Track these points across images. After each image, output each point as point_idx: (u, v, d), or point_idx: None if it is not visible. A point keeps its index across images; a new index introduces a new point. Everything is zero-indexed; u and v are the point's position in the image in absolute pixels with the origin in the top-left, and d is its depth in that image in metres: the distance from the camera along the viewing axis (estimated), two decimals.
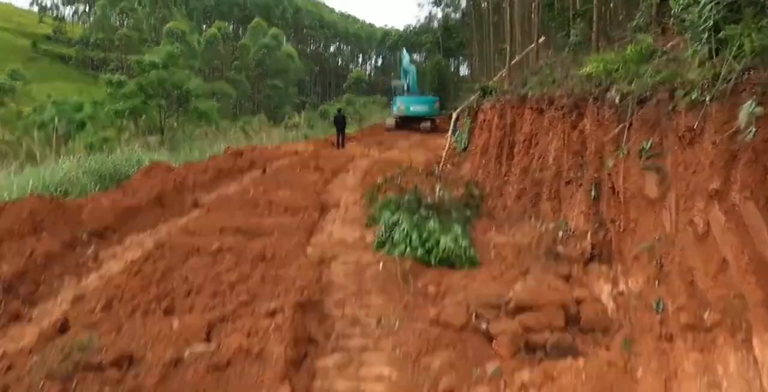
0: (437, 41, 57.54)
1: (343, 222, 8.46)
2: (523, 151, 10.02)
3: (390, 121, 35.49)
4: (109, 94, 37.14)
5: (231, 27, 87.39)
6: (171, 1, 55.76)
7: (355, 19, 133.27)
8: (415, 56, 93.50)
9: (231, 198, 9.19)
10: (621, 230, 5.66)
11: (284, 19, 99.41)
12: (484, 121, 13.30)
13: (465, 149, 15.74)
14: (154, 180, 10.58)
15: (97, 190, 12.16)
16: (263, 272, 5.16)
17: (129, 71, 41.70)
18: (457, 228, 6.40)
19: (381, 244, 6.48)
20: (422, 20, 63.49)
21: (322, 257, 5.84)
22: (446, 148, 14.12)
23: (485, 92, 14.70)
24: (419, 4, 62.77)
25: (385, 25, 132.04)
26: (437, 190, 9.56)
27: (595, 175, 6.63)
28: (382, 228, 6.58)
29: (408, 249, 5.95)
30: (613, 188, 6.06)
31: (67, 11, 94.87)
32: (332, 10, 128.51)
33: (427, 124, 34.02)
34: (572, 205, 6.96)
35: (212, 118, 37.81)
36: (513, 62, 17.67)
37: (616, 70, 6.63)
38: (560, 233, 6.75)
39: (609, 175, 6.13)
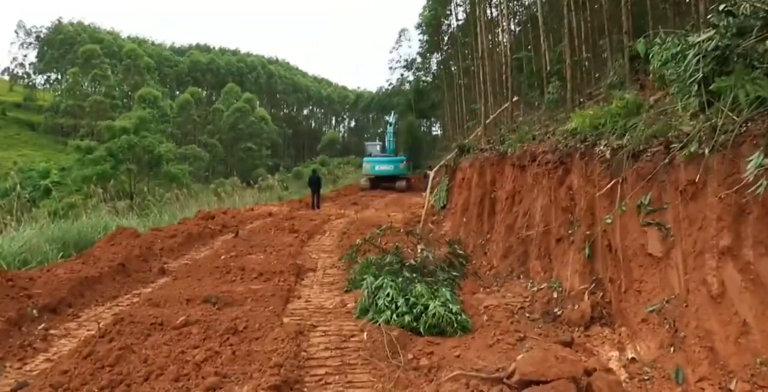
0: (409, 103, 58.59)
1: (321, 287, 7.92)
2: (506, 209, 9.74)
3: (364, 182, 35.46)
4: (78, 159, 36.65)
5: (204, 92, 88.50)
6: (144, 68, 56.14)
7: (328, 82, 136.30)
8: (387, 118, 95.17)
9: (200, 264, 8.60)
10: (622, 290, 5.28)
11: (258, 84, 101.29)
12: (463, 179, 13.10)
13: (444, 207, 15.47)
14: (118, 247, 9.96)
15: (60, 258, 11.46)
16: (234, 348, 4.57)
17: (99, 137, 41.31)
18: (446, 292, 5.93)
19: (364, 311, 5.95)
20: (394, 83, 64.70)
21: (299, 327, 5.27)
22: (425, 207, 13.81)
23: (462, 150, 14.61)
24: (391, 68, 63.83)
25: (358, 88, 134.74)
26: (419, 249, 9.15)
27: (588, 232, 6.31)
28: (365, 294, 6.06)
29: (394, 316, 5.43)
30: (609, 246, 5.73)
31: (39, 79, 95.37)
32: (305, 74, 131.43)
33: (402, 183, 34.10)
34: (565, 264, 6.59)
35: (183, 182, 37.36)
36: (488, 121, 17.79)
37: (603, 124, 6.45)
38: (555, 294, 6.34)
39: (604, 231, 5.81)
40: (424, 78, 61.37)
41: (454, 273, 7.89)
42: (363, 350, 4.82)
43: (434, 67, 58.92)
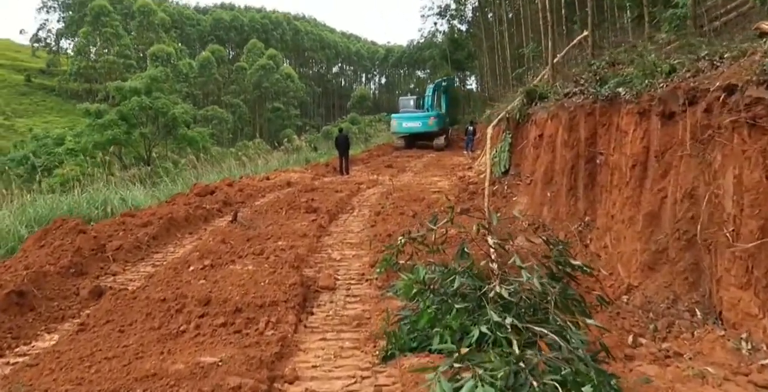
0: (444, 54, 54.10)
1: (337, 337, 4.50)
2: (632, 183, 6.11)
3: (399, 140, 31.75)
4: (88, 124, 33.79)
5: (228, 51, 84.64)
6: (159, 25, 52.17)
7: (356, 38, 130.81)
8: (419, 73, 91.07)
9: (136, 295, 5.24)
10: None
11: (284, 42, 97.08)
12: (541, 136, 9.41)
13: (506, 172, 11.87)
14: (47, 249, 6.78)
15: None
16: None
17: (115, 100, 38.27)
18: None
19: None
20: (426, 34, 60.04)
21: None
22: (486, 173, 10.21)
23: (532, 97, 10.84)
24: (423, 16, 58.88)
25: (388, 42, 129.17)
26: (494, 253, 5.65)
27: None
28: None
29: None
30: None
31: (64, 44, 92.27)
32: (333, 30, 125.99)
33: (440, 141, 30.39)
34: None
35: (202, 145, 34.25)
36: (555, 60, 13.92)
37: None
38: None
39: None
40: (459, 26, 56.63)
41: (576, 308, 4.35)
42: None
43: (469, 14, 54.22)
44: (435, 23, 59.09)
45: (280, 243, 7.89)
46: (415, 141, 31.23)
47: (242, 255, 6.73)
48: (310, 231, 8.55)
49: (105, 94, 51.50)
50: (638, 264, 5.27)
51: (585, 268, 5.15)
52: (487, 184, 9.05)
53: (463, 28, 56.34)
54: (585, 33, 16.19)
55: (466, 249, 5.43)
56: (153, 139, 33.79)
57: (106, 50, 52.18)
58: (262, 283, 5.35)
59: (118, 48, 50.34)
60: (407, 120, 30.69)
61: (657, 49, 8.85)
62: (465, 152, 28.56)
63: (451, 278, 4.59)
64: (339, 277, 6.23)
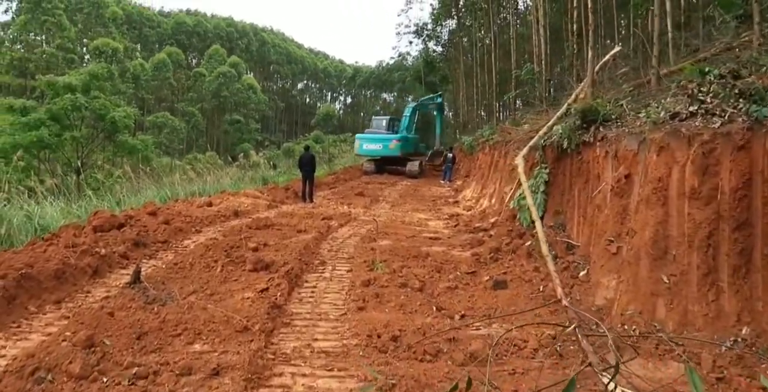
0: (418, 76, 51.42)
1: None
2: None
3: (368, 164, 28.20)
4: (11, 123, 29.07)
5: (189, 58, 79.98)
6: (111, 21, 47.11)
7: (324, 55, 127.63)
8: (385, 95, 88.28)
9: None
10: None
11: (249, 52, 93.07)
12: (628, 177, 6.03)
13: (540, 219, 8.45)
14: None
15: None
16: None
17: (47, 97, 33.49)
18: None
19: None
20: (402, 50, 57.44)
21: None
22: (538, 230, 6.76)
23: (592, 118, 7.50)
24: (398, 33, 56.17)
25: (356, 62, 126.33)
26: None
27: None
28: None
29: None
30: None
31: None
32: (300, 46, 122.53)
33: (414, 168, 27.05)
34: None
35: (144, 155, 29.93)
36: (596, 74, 10.77)
37: None
38: None
39: None
40: (434, 48, 54.17)
41: None
42: None
43: (446, 36, 51.79)
44: (410, 42, 56.41)
45: (196, 348, 4.27)
46: (384, 165, 27.87)
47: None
48: (255, 318, 4.91)
49: (41, 90, 46.19)
50: None
51: None
52: (544, 248, 5.57)
53: (439, 49, 53.99)
54: (617, 48, 13.26)
55: None
56: (87, 144, 29.36)
57: (47, 44, 46.62)
58: None
59: (60, 40, 45.05)
60: (369, 141, 27.46)
61: None
62: (443, 181, 25.38)
63: None
64: None
